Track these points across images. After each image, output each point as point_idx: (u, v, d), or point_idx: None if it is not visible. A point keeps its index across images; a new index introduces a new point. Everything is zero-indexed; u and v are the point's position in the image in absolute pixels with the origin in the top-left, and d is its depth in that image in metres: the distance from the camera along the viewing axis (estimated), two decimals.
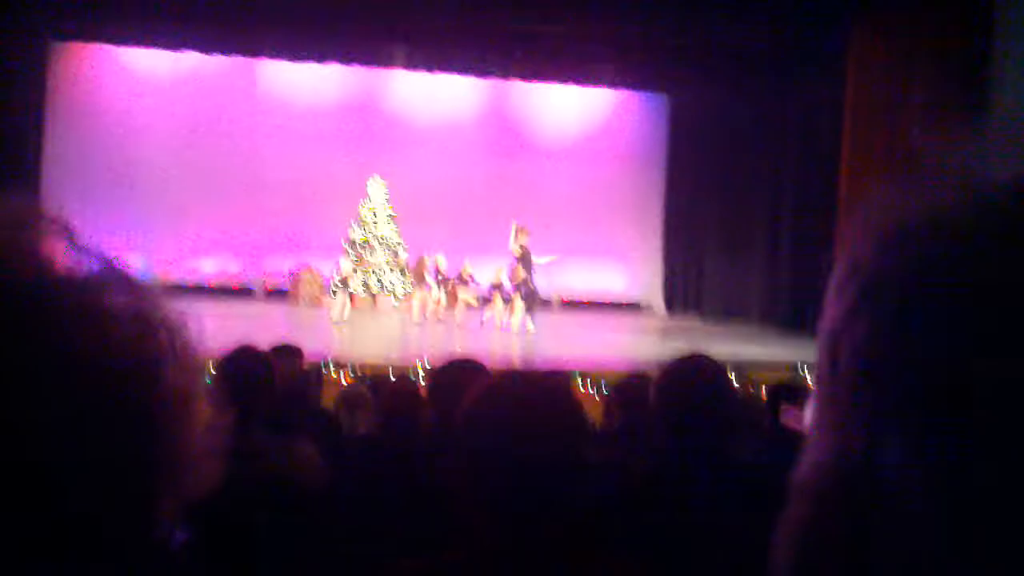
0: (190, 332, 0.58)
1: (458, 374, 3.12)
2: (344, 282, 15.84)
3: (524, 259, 14.39)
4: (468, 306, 15.15)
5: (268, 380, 3.07)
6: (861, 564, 0.45)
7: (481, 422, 1.52)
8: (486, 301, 14.82)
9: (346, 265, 16.75)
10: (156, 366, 0.54)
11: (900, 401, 0.42)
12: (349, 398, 4.88)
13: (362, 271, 17.68)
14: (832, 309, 0.47)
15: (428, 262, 15.61)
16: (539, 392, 1.54)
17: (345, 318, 14.63)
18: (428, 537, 1.98)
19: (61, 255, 0.55)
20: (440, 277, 15.45)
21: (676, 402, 2.27)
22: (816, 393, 0.49)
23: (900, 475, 0.42)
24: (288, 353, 4.86)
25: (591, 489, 2.49)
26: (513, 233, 14.64)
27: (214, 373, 3.07)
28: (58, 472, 0.49)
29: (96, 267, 0.55)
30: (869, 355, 0.44)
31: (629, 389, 3.90)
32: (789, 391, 4.26)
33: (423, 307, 15.47)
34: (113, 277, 0.56)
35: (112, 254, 0.58)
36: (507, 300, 14.24)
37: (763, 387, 7.81)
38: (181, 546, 2.81)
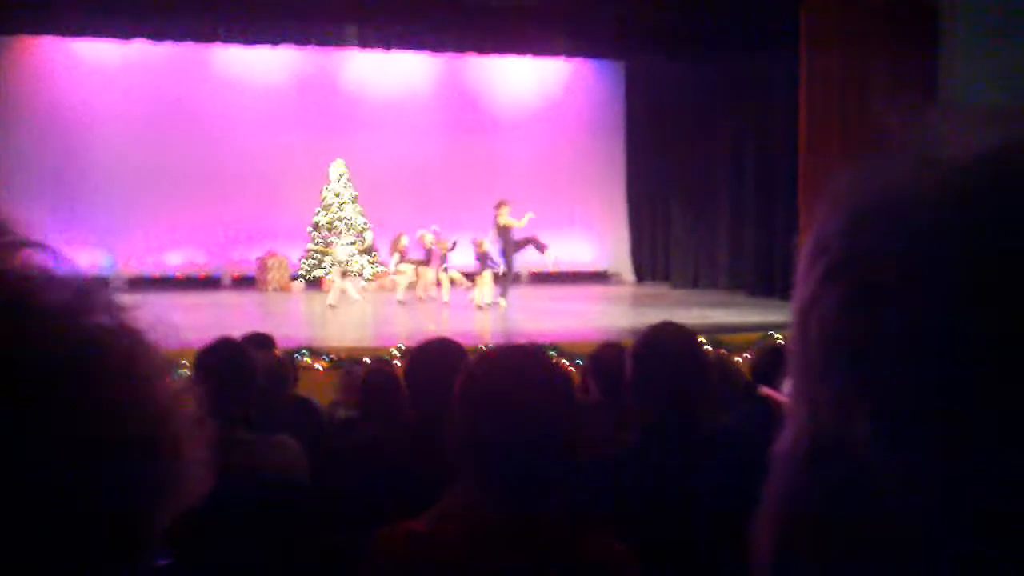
0: (153, 332, 0.58)
1: (435, 354, 3.11)
2: (342, 265, 15.48)
3: (506, 233, 14.28)
4: (455, 284, 14.97)
5: (249, 372, 3.05)
6: (834, 539, 0.46)
7: (478, 397, 1.53)
8: (470, 276, 14.66)
9: (343, 250, 16.44)
10: (123, 372, 0.54)
11: (867, 376, 0.43)
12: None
13: (355, 255, 17.49)
14: (801, 287, 0.48)
15: (405, 240, 15.29)
16: (535, 366, 1.55)
17: (334, 303, 14.47)
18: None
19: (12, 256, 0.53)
20: (441, 253, 15.04)
21: (652, 370, 2.29)
22: (791, 369, 0.50)
23: (868, 449, 0.43)
24: (259, 343, 4.85)
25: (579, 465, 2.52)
26: (504, 210, 14.44)
27: (193, 367, 3.04)
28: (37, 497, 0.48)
29: (49, 269, 0.54)
30: (836, 331, 0.45)
31: (604, 360, 3.90)
32: (773, 361, 4.23)
33: (414, 285, 15.14)
34: (75, 283, 0.55)
35: (64, 255, 0.57)
36: (497, 274, 14.09)
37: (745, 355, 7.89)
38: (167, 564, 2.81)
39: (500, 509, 1.48)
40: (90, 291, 0.56)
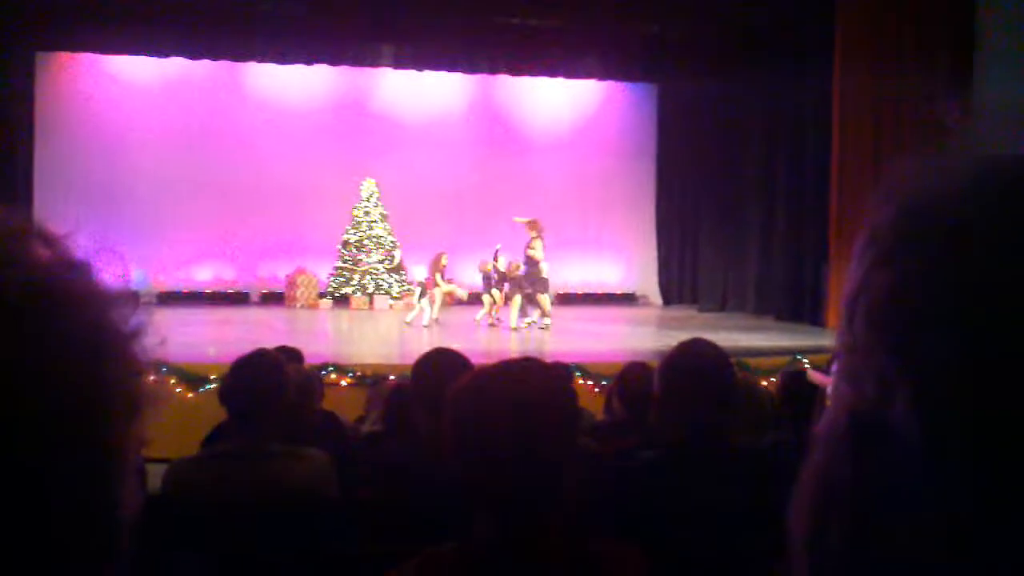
0: (142, 337, 0.60)
1: (438, 364, 3.12)
2: (430, 285, 14.95)
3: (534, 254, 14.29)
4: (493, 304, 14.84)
5: (282, 385, 3.07)
6: (865, 512, 0.48)
7: (469, 409, 1.52)
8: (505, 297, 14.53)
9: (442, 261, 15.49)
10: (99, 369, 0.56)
11: (909, 356, 0.46)
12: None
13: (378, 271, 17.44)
14: (851, 275, 0.51)
15: (446, 259, 14.92)
16: (531, 380, 1.54)
17: (416, 321, 14.32)
18: (436, 533, 1.99)
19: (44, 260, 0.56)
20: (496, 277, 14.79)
21: (679, 384, 2.28)
22: (837, 352, 0.52)
23: (905, 427, 0.45)
24: (288, 356, 4.87)
25: (593, 479, 2.51)
26: (536, 228, 14.42)
27: (228, 378, 3.07)
28: None
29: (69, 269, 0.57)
30: (882, 315, 0.48)
31: (630, 379, 3.91)
32: (798, 386, 4.21)
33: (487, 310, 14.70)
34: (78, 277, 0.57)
35: (85, 256, 0.59)
36: (528, 295, 14.13)
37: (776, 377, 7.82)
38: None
39: (493, 522, 1.48)
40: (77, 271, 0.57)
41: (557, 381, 1.57)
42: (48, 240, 0.58)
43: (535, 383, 1.53)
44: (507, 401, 1.50)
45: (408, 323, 14.47)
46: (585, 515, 1.62)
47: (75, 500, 0.54)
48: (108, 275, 0.60)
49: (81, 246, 0.60)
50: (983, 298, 0.43)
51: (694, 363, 2.30)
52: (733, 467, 2.06)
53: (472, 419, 1.51)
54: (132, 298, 0.60)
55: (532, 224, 14.48)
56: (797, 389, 4.19)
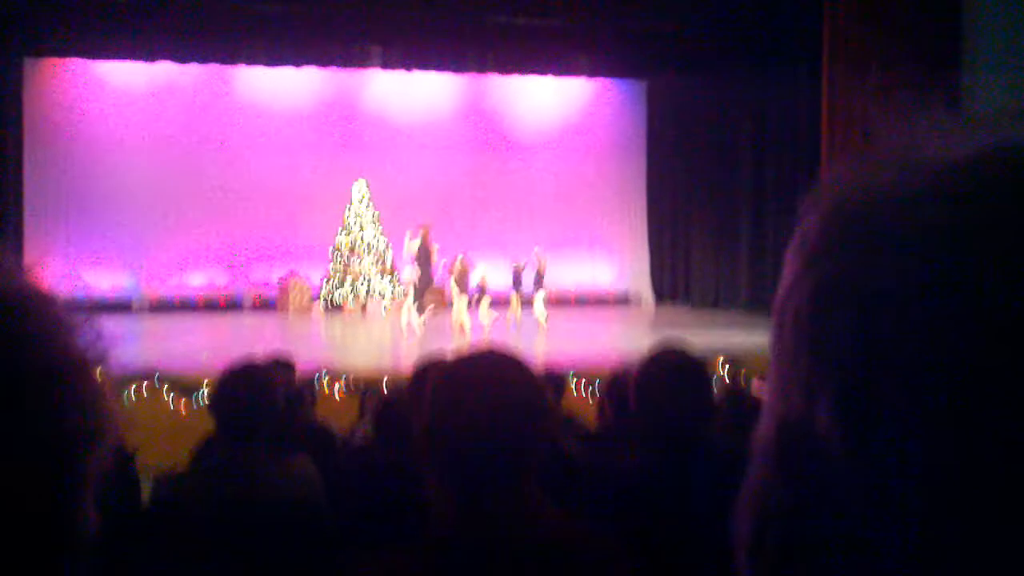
0: (101, 352, 0.62)
1: (429, 371, 3.13)
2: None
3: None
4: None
5: (270, 395, 3.07)
6: (798, 522, 0.48)
7: (441, 400, 1.56)
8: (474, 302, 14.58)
9: (468, 263, 15.05)
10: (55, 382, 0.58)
11: (831, 361, 0.46)
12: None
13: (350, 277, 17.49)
14: (783, 279, 0.51)
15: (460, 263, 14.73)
16: (493, 371, 1.59)
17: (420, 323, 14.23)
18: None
19: None
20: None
21: (653, 392, 2.30)
22: (769, 361, 0.52)
23: (828, 434, 0.45)
24: (281, 366, 4.88)
25: (578, 484, 2.53)
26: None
27: (216, 387, 3.07)
28: None
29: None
30: (807, 320, 0.47)
31: (617, 384, 3.91)
32: None
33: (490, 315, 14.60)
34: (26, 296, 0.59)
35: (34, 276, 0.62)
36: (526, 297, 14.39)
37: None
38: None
39: (456, 509, 1.52)
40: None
41: (523, 369, 1.62)
42: (7, 270, 0.59)
43: (504, 369, 1.59)
44: (478, 383, 1.56)
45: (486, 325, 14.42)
46: (559, 503, 1.65)
47: (35, 521, 0.56)
48: (69, 305, 0.61)
49: (46, 279, 0.62)
50: (893, 304, 0.44)
51: (664, 372, 2.32)
52: (714, 471, 2.08)
53: (445, 399, 1.56)
54: (93, 324, 0.62)
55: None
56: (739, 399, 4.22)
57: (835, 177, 0.50)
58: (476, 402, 1.52)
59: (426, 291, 14.85)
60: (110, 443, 0.61)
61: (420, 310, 14.52)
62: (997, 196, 0.44)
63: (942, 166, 0.46)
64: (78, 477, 0.59)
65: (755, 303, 16.99)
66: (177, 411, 7.73)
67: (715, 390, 2.66)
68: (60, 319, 0.60)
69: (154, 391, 8.03)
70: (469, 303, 14.20)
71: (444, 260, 14.99)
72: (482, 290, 14.51)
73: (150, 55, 17.18)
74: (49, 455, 0.57)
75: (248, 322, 16.10)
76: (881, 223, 0.45)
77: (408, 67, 18.39)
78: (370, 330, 14.92)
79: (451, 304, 14.69)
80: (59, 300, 0.61)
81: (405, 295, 15.17)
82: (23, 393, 0.55)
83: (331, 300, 18.43)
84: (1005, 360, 0.41)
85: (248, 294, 19.21)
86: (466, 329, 13.80)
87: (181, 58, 17.45)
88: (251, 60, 17.58)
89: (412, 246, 14.89)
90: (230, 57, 17.46)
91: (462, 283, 14.31)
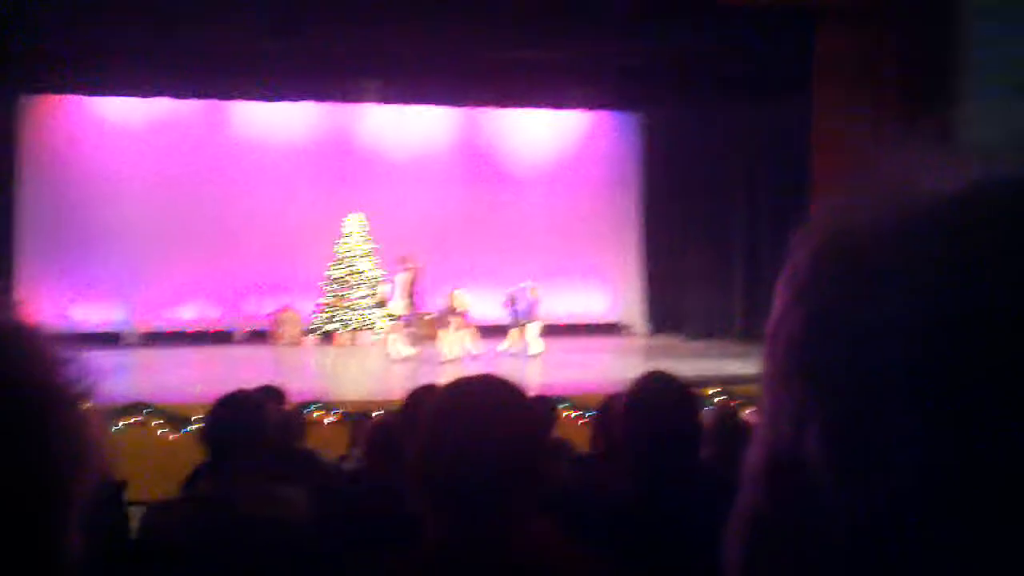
0: (89, 384, 0.62)
1: (423, 400, 3.13)
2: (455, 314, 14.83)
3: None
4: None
5: (261, 426, 3.07)
6: (787, 548, 0.48)
7: (435, 425, 1.57)
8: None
9: (462, 298, 15.24)
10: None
11: (820, 390, 0.46)
12: None
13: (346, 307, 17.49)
14: (775, 309, 0.51)
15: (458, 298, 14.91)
16: (487, 397, 1.59)
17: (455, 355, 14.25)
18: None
19: None
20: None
21: (640, 422, 2.30)
22: (760, 390, 0.53)
23: (816, 462, 0.46)
24: (270, 396, 4.87)
25: (569, 512, 2.52)
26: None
27: (207, 418, 3.07)
28: None
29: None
30: (798, 349, 0.48)
31: (609, 412, 3.91)
32: None
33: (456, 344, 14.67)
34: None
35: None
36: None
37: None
38: None
39: (446, 531, 1.51)
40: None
41: (516, 395, 1.63)
42: None
43: (498, 396, 1.61)
44: (472, 409, 1.57)
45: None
46: (551, 522, 1.65)
47: (20, 547, 0.56)
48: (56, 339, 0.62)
49: (36, 312, 0.62)
50: (888, 336, 0.44)
51: (651, 402, 2.33)
52: (705, 497, 2.08)
53: (439, 425, 1.58)
54: (80, 357, 0.62)
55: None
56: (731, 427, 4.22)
57: (826, 210, 0.51)
58: (470, 428, 1.53)
59: (415, 322, 14.93)
60: (95, 472, 0.62)
61: (409, 340, 14.55)
62: (992, 229, 0.44)
63: (936, 199, 0.46)
64: (62, 505, 0.59)
65: (749, 333, 16.98)
66: (167, 442, 7.71)
67: (703, 416, 2.66)
68: (47, 352, 0.60)
69: (144, 423, 8.01)
70: (460, 332, 14.30)
71: (439, 294, 15.06)
72: (470, 320, 14.64)
73: (147, 91, 17.23)
74: (33, 483, 0.57)
75: (239, 354, 16.05)
76: (874, 256, 0.46)
77: (405, 101, 18.46)
78: (361, 360, 14.87)
79: (441, 335, 14.69)
80: (47, 333, 0.61)
81: (394, 327, 15.19)
82: (7, 424, 0.56)
83: (323, 332, 18.42)
84: (1002, 393, 0.42)
85: (240, 327, 19.16)
86: (457, 359, 13.82)
87: (178, 93, 17.49)
88: (248, 95, 17.64)
89: (401, 278, 14.98)
90: (227, 92, 17.51)
91: (455, 315, 14.39)
